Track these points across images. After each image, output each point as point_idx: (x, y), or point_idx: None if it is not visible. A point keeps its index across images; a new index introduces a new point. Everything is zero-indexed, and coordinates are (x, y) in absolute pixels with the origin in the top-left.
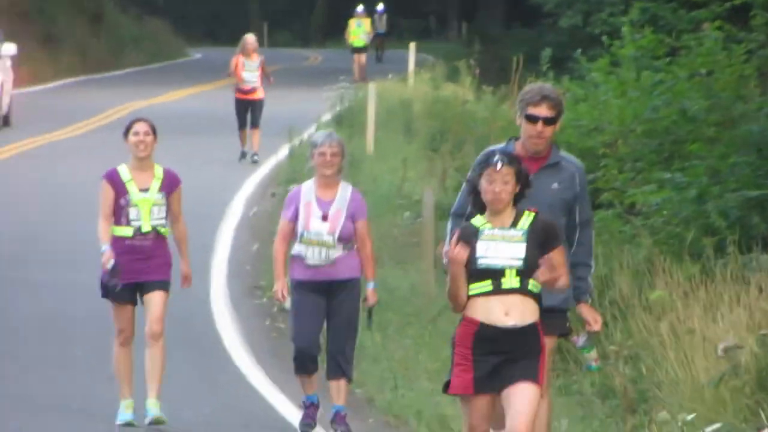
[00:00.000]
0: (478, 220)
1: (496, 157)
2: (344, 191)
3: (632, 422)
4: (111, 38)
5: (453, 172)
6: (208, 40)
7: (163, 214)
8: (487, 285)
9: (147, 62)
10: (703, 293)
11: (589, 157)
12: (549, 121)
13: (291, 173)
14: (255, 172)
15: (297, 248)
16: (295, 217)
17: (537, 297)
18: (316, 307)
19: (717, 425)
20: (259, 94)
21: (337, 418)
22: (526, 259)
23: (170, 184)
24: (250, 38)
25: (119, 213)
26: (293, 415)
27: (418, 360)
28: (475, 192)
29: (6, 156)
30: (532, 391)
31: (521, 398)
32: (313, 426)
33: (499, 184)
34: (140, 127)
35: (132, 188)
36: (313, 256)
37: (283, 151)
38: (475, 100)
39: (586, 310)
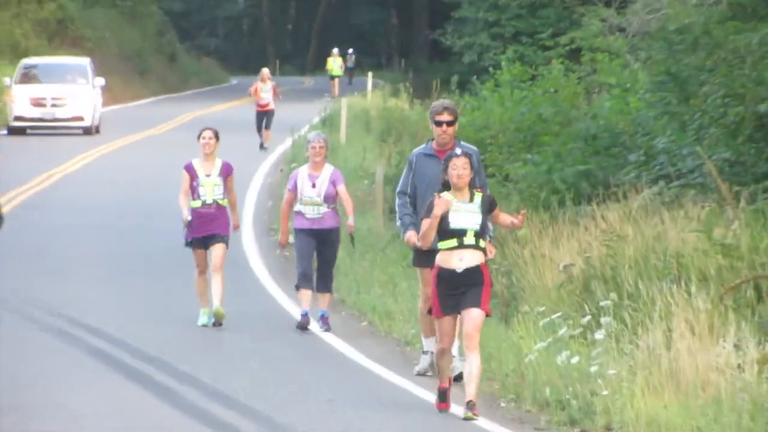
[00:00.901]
0: (447, 195)
1: (459, 151)
2: (327, 169)
3: (506, 312)
4: (180, 71)
5: (395, 155)
6: (242, 71)
7: (221, 191)
8: (453, 242)
9: (203, 86)
10: (551, 231)
11: (480, 145)
12: (450, 123)
13: (292, 156)
14: (268, 156)
15: (298, 207)
16: (294, 188)
17: (483, 249)
18: (311, 246)
19: (558, 313)
20: (271, 107)
21: (322, 319)
22: (481, 224)
23: (225, 171)
24: (265, 70)
25: (193, 191)
26: (294, 312)
27: (373, 275)
28: (444, 181)
29: (106, 151)
30: (477, 313)
31: (470, 317)
32: (305, 328)
33: (460, 169)
34: (207, 133)
35: (201, 174)
36: (311, 212)
37: (287, 143)
38: (410, 109)
39: (487, 245)
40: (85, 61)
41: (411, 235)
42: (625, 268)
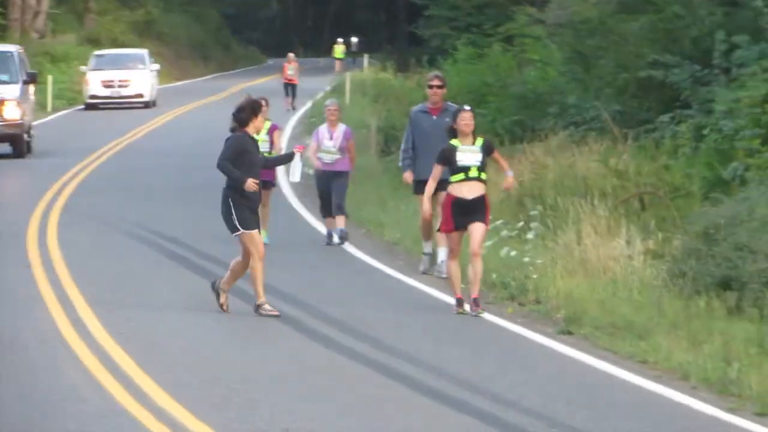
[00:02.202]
0: (455, 142)
1: (467, 106)
2: (341, 127)
3: None
4: (232, 56)
5: (384, 111)
6: (276, 55)
7: (268, 146)
8: (461, 176)
9: (248, 65)
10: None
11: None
12: (439, 87)
13: (312, 113)
14: (296, 114)
15: (319, 154)
16: (317, 139)
17: (485, 182)
18: (327, 182)
19: (501, 221)
20: (296, 81)
21: (341, 233)
22: (481, 161)
23: (271, 130)
24: (290, 55)
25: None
26: (321, 228)
27: (368, 198)
28: (452, 128)
29: (180, 112)
30: (482, 227)
31: (476, 229)
32: (329, 242)
33: (468, 120)
34: (261, 102)
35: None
36: (328, 158)
37: (308, 104)
38: (394, 80)
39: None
40: (143, 51)
41: (407, 176)
42: (548, 188)
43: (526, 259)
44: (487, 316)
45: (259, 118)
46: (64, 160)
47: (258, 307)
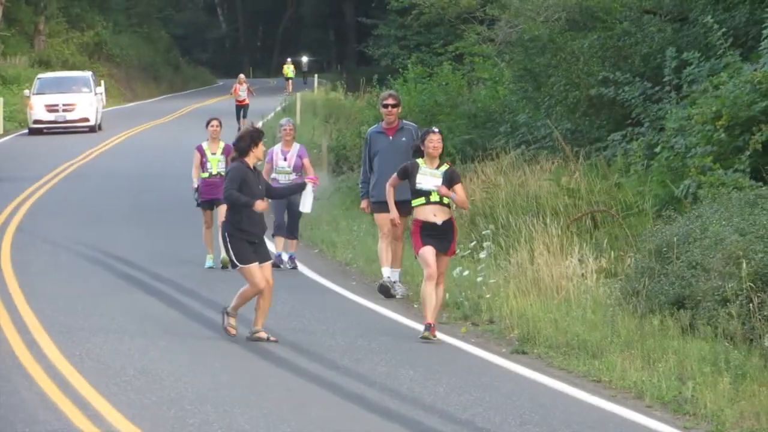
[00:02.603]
0: (419, 161)
1: (436, 128)
2: (295, 146)
3: None
4: (182, 76)
5: (335, 131)
6: (225, 76)
7: (223, 166)
8: (422, 200)
9: (199, 86)
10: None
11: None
12: (394, 106)
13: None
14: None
15: (274, 175)
16: (271, 161)
17: (448, 205)
18: (283, 204)
19: None
20: (247, 102)
21: (290, 259)
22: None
23: (227, 151)
24: (241, 76)
25: (203, 165)
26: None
27: (321, 218)
28: (418, 148)
29: (131, 133)
30: (446, 259)
31: (441, 262)
32: (277, 266)
33: (436, 143)
34: (215, 122)
35: (208, 153)
36: (283, 179)
37: (259, 124)
38: (344, 99)
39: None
40: (87, 74)
41: (364, 204)
42: (500, 207)
43: (479, 279)
44: (442, 336)
45: (260, 146)
46: (12, 184)
47: (252, 334)
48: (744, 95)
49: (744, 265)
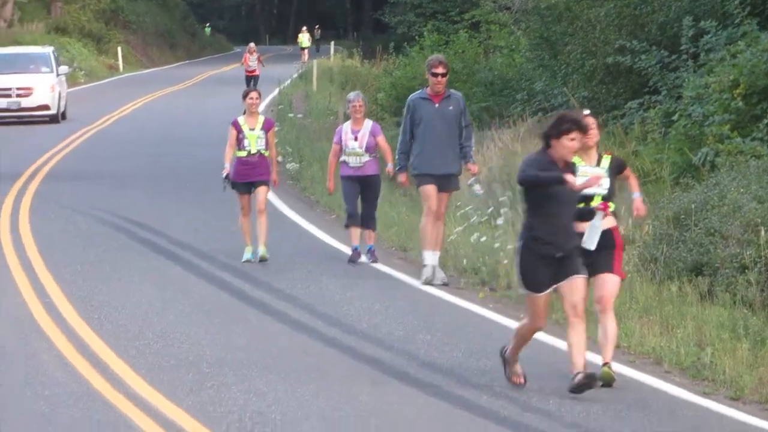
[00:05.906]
0: (576, 159)
1: (587, 110)
2: (367, 123)
3: None
4: (199, 43)
5: None
6: (241, 42)
7: (263, 143)
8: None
9: (215, 53)
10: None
11: (411, 90)
12: (444, 75)
13: (279, 101)
14: (263, 102)
15: (343, 157)
16: (339, 141)
17: (615, 214)
18: (356, 190)
19: (471, 206)
20: (257, 72)
21: (370, 252)
22: (609, 188)
23: (267, 126)
24: (251, 45)
25: (239, 143)
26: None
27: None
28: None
29: (150, 99)
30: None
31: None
32: (356, 262)
33: (593, 128)
34: (253, 94)
35: (246, 129)
36: (354, 161)
37: (275, 92)
38: (360, 66)
39: (471, 165)
40: (48, 50)
41: (402, 178)
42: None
43: (497, 245)
44: (459, 301)
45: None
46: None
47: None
48: (761, 64)
49: (762, 232)
